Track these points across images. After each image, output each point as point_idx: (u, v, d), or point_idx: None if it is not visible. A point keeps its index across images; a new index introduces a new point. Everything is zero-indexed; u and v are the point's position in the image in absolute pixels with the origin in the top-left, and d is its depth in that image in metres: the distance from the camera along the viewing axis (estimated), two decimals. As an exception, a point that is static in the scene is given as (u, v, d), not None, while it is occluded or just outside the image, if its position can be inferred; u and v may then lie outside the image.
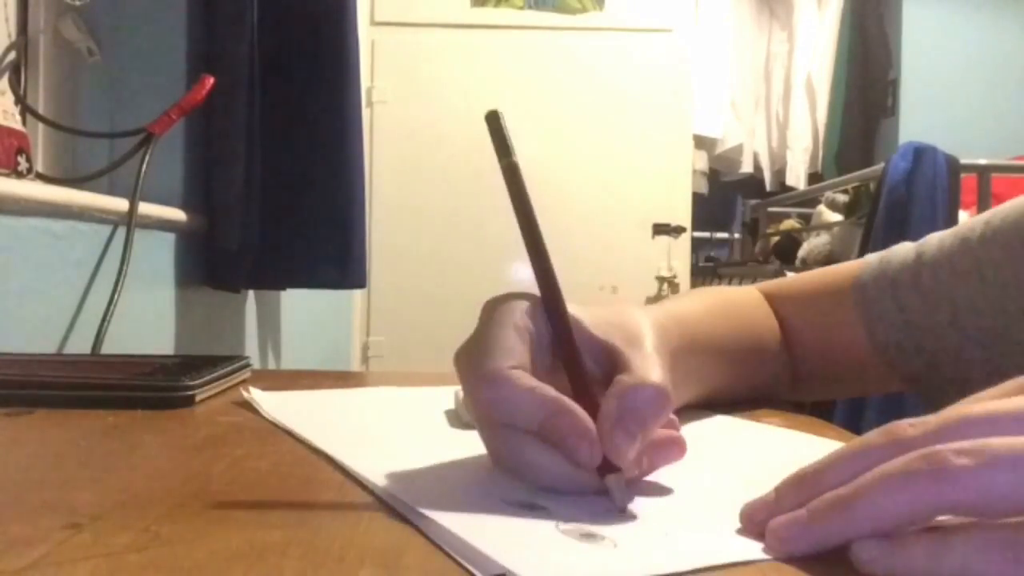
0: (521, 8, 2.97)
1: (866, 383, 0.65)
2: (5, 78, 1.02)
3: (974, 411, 0.26)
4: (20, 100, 1.01)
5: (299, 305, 1.69)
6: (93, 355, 0.83)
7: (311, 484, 0.35)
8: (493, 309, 0.36)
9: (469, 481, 0.35)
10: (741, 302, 0.61)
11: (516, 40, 2.95)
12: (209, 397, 0.57)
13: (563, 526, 0.29)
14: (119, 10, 1.14)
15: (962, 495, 0.23)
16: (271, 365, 1.56)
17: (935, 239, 0.59)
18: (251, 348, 1.43)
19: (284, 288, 1.48)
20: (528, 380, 0.33)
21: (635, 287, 2.95)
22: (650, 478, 0.35)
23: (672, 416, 0.36)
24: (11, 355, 0.66)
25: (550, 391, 0.33)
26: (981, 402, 0.27)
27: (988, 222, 0.56)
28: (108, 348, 0.87)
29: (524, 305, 0.36)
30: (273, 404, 0.51)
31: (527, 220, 0.37)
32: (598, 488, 0.32)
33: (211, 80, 1.06)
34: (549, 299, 0.37)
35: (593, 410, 0.33)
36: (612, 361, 0.36)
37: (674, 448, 0.35)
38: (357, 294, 2.70)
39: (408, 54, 2.92)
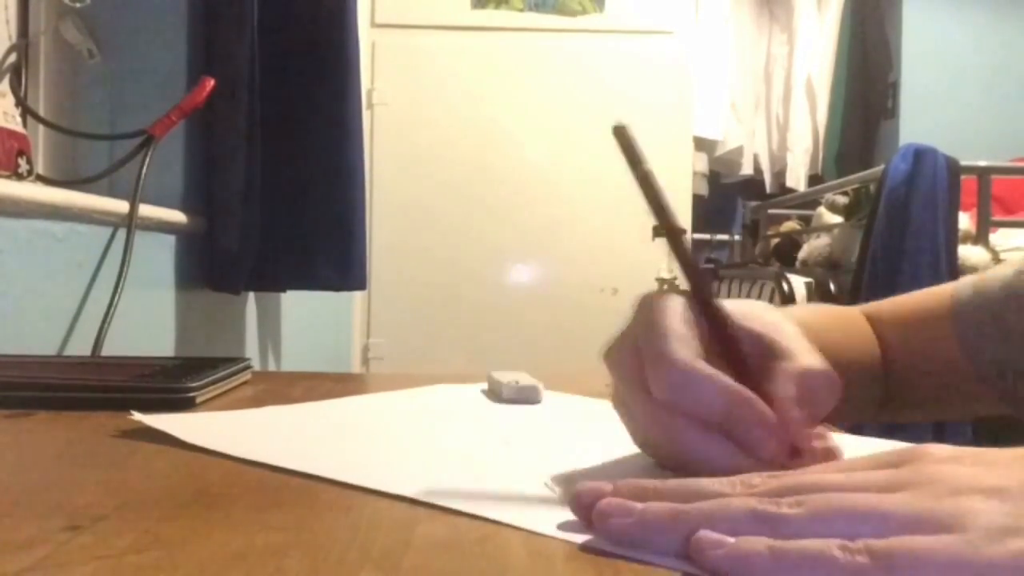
0: (521, 10, 2.97)
1: (965, 406, 0.64)
2: (6, 80, 1.02)
3: (826, 479, 0.27)
4: (20, 102, 1.01)
5: (299, 307, 1.69)
6: (93, 357, 0.83)
7: (311, 486, 0.35)
8: (653, 303, 0.37)
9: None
10: (851, 320, 0.61)
11: (516, 42, 2.95)
12: (210, 399, 0.57)
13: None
14: (119, 12, 1.14)
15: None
16: (271, 367, 1.56)
17: None
18: (251, 350, 1.43)
19: (284, 290, 1.48)
20: (714, 372, 0.34)
21: (635, 289, 2.92)
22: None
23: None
24: (11, 357, 0.66)
25: (734, 384, 0.33)
26: (847, 471, 0.28)
27: None
28: (108, 350, 0.87)
29: (682, 299, 0.37)
30: (187, 428, 0.43)
31: (667, 220, 0.38)
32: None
33: (211, 82, 1.06)
34: (700, 292, 0.37)
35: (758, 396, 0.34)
36: (765, 348, 0.37)
37: (832, 455, 0.35)
38: (357, 296, 2.70)
39: (409, 56, 2.92)
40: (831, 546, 0.23)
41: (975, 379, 0.59)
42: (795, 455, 0.33)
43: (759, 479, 0.28)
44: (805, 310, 0.56)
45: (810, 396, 0.33)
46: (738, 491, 0.27)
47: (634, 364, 0.35)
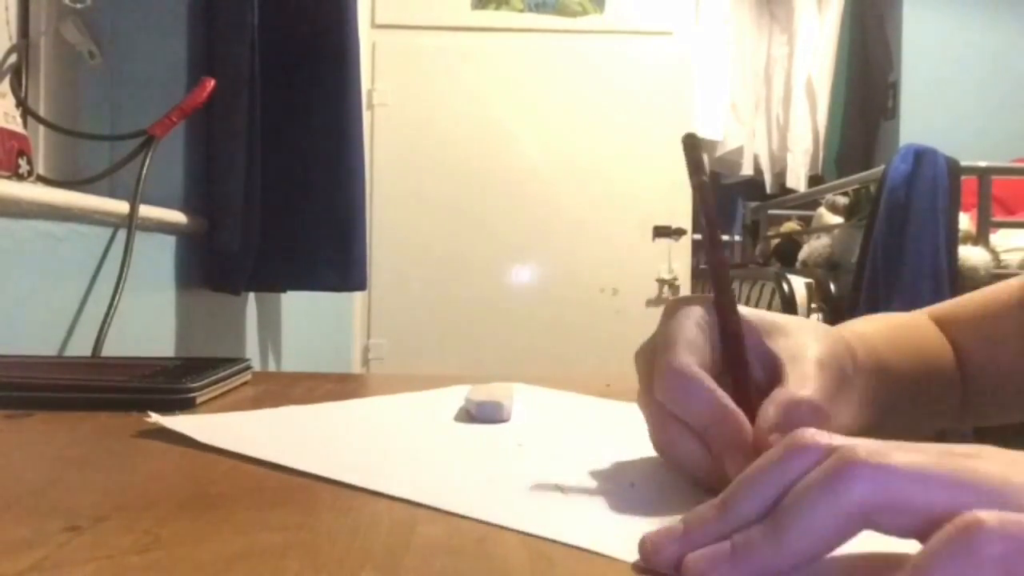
0: (521, 11, 2.97)
1: None
2: (6, 81, 1.02)
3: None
4: (21, 103, 1.01)
5: (299, 307, 1.69)
6: (94, 357, 0.83)
7: (311, 486, 0.35)
8: (676, 307, 0.38)
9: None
10: (916, 326, 0.59)
11: (516, 43, 2.96)
12: (210, 399, 0.57)
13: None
14: (120, 13, 1.14)
15: (879, 489, 0.22)
16: (271, 367, 1.56)
17: None
18: (251, 350, 1.43)
19: (285, 290, 1.48)
20: (708, 382, 0.35)
21: (635, 289, 2.95)
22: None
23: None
24: (12, 357, 0.66)
25: (723, 397, 0.34)
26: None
27: None
28: (109, 350, 0.87)
29: (705, 304, 0.38)
30: (202, 429, 0.44)
31: (712, 228, 0.40)
32: None
33: (212, 82, 1.06)
34: (722, 303, 0.38)
35: (751, 415, 0.35)
36: (775, 371, 0.38)
37: None
38: (357, 296, 2.70)
39: (409, 57, 2.92)
40: None
41: None
42: None
43: (810, 435, 0.25)
44: (860, 323, 0.54)
45: (792, 426, 0.32)
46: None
47: (648, 368, 0.37)
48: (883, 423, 0.49)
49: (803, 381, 0.37)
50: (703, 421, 0.34)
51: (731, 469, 0.33)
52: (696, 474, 0.35)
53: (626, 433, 0.47)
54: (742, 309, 0.39)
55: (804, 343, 0.39)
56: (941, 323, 0.60)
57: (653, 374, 0.36)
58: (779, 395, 0.36)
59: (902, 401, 0.50)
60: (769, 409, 0.35)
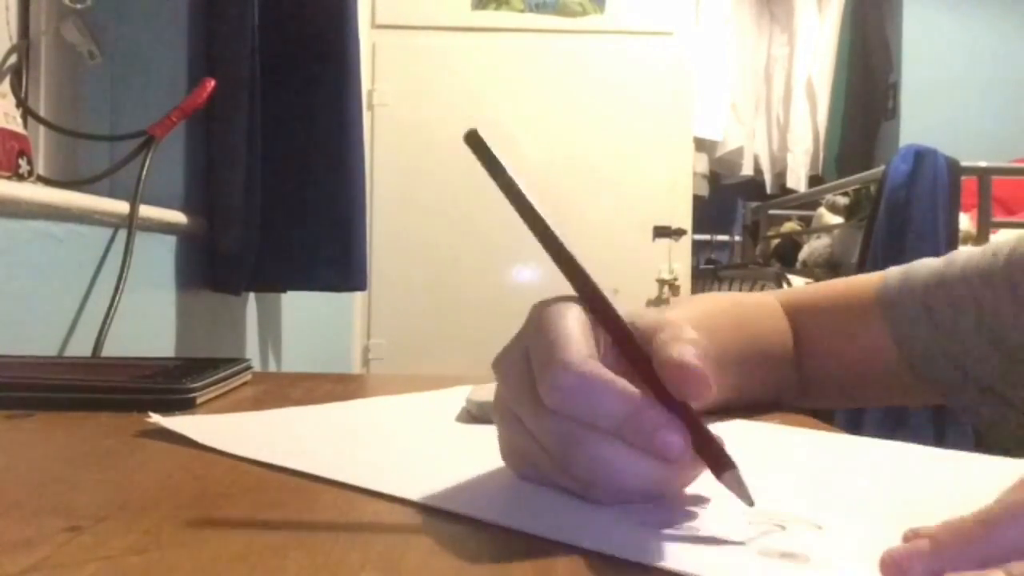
0: (522, 11, 2.97)
1: (891, 392, 0.64)
2: (7, 81, 1.02)
3: None
4: (21, 103, 1.01)
5: (300, 307, 1.69)
6: (94, 358, 0.83)
7: (312, 486, 0.35)
8: (545, 307, 0.34)
9: (590, 507, 0.32)
10: (753, 310, 0.62)
11: (517, 43, 2.96)
12: (210, 400, 0.57)
13: (759, 547, 0.27)
14: (120, 13, 1.14)
15: None
16: (271, 367, 1.56)
17: (963, 253, 0.61)
18: (252, 350, 1.43)
19: (285, 290, 1.48)
20: (607, 372, 0.31)
21: (636, 289, 2.95)
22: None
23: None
24: (12, 357, 0.66)
25: (629, 386, 0.31)
26: None
27: (1021, 238, 0.57)
28: (109, 351, 0.87)
29: (576, 304, 0.35)
30: (201, 430, 0.44)
31: (536, 222, 0.36)
32: (680, 482, 0.31)
33: (212, 83, 1.06)
34: (586, 292, 0.35)
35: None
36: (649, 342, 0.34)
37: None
38: (358, 296, 2.70)
39: (409, 57, 2.92)
40: None
41: (906, 367, 0.60)
42: (723, 466, 0.30)
43: None
44: (693, 308, 0.56)
45: (686, 350, 0.31)
46: None
47: (523, 369, 0.33)
48: (721, 404, 0.52)
49: (677, 327, 0.33)
50: (618, 416, 0.30)
51: (674, 449, 0.29)
52: (628, 484, 0.31)
53: None
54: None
55: (660, 317, 0.36)
56: (788, 308, 0.64)
57: (536, 376, 0.32)
58: (661, 336, 0.32)
59: (735, 384, 0.53)
60: (660, 348, 0.31)
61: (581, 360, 0.31)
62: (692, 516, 0.30)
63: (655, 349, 0.32)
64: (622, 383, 0.31)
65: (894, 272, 0.63)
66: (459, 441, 0.46)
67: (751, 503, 0.29)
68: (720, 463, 0.30)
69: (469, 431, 0.48)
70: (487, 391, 0.54)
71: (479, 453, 0.38)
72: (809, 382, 0.63)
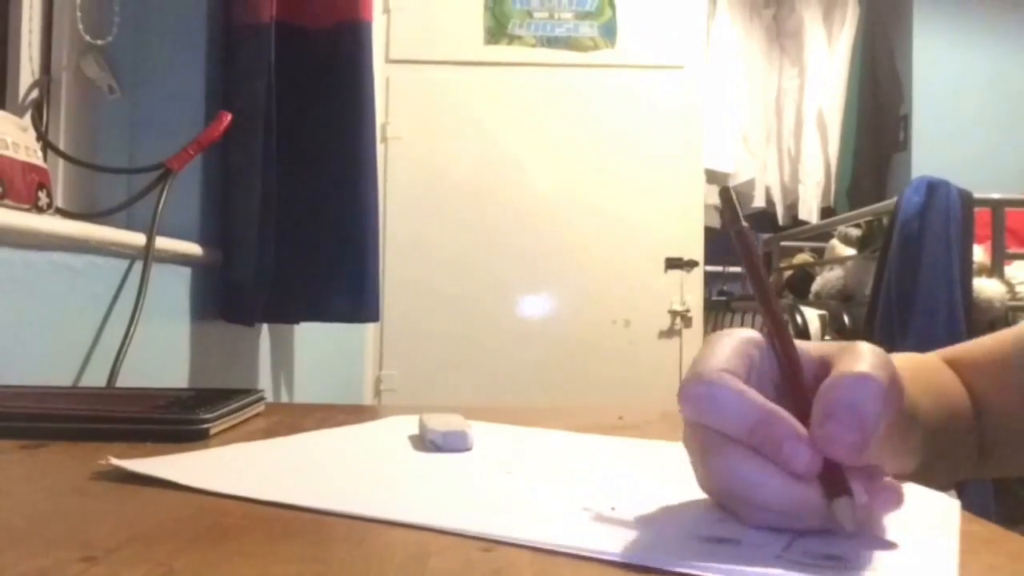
0: (533, 46, 3.00)
1: None
2: (28, 115, 1.04)
3: None
4: (42, 136, 1.03)
5: (312, 339, 1.70)
6: (108, 388, 0.84)
7: (324, 517, 0.35)
8: (711, 338, 0.35)
9: (650, 520, 0.33)
10: (935, 368, 0.56)
11: (529, 77, 2.98)
12: (224, 430, 0.57)
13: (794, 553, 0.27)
14: (140, 48, 1.16)
15: None
16: (284, 398, 1.56)
17: None
18: (265, 381, 1.43)
19: (298, 321, 1.48)
20: (738, 383, 0.31)
21: (648, 321, 2.94)
22: None
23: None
24: (27, 388, 0.66)
25: (760, 397, 0.31)
26: None
27: None
28: (123, 381, 0.88)
29: (748, 333, 0.36)
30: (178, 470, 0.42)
31: (755, 271, 0.38)
32: (817, 507, 0.30)
33: (228, 116, 1.08)
34: (775, 326, 0.36)
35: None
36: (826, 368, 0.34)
37: (892, 494, 0.31)
38: (370, 328, 2.70)
39: (422, 91, 2.95)
40: None
41: None
42: (840, 490, 0.29)
43: None
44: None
45: (843, 402, 0.30)
46: None
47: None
48: (914, 472, 0.46)
49: (856, 360, 0.32)
50: (745, 424, 0.30)
51: (800, 463, 0.29)
52: (757, 496, 0.30)
53: (588, 456, 0.49)
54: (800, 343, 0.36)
55: (846, 348, 0.35)
56: (955, 366, 0.57)
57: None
58: (832, 374, 0.32)
59: (927, 449, 0.47)
60: (819, 394, 0.31)
61: (711, 371, 0.32)
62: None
63: (823, 384, 0.32)
64: (752, 393, 0.31)
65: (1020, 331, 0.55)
66: (433, 469, 0.45)
67: (852, 533, 0.29)
68: (836, 489, 0.29)
69: (436, 460, 0.47)
70: (443, 421, 0.53)
71: (463, 478, 0.38)
72: (986, 446, 0.55)
